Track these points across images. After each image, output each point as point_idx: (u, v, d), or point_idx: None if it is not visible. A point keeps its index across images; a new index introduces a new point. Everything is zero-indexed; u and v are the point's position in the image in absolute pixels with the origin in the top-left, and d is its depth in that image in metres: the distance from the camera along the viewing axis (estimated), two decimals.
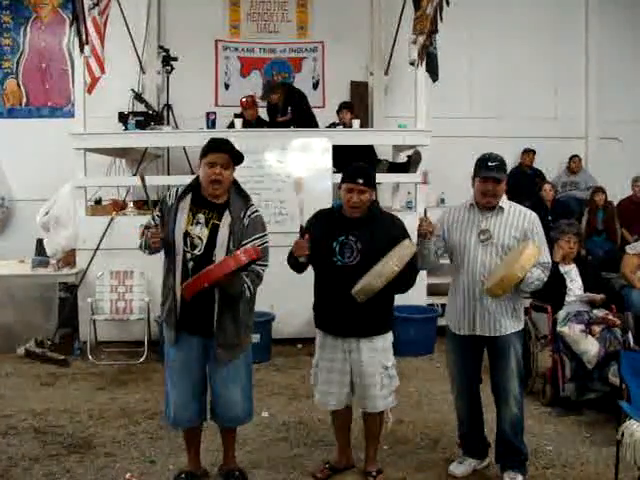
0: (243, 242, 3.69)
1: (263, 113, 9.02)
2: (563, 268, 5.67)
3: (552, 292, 5.37)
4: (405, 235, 3.89)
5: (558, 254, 5.70)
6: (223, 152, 3.73)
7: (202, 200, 3.79)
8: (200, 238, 3.72)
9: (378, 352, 3.95)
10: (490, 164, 3.93)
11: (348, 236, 3.87)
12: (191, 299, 3.66)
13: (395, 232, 3.88)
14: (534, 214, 4.05)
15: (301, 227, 3.88)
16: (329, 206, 7.12)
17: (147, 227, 3.88)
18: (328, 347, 4.01)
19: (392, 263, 3.64)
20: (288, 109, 8.47)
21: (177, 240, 3.72)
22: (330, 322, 3.97)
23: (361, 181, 3.84)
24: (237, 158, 3.80)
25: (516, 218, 3.98)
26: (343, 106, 8.80)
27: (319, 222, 4.02)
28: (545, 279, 3.96)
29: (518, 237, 3.94)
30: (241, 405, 3.90)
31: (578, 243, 5.76)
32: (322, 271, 3.95)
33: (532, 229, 3.96)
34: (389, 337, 4.04)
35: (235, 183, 3.86)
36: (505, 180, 4.01)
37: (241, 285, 3.67)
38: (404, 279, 3.78)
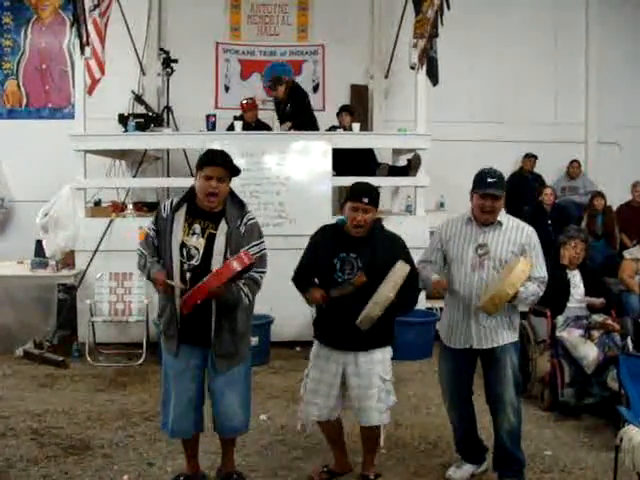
0: (240, 250, 3.68)
1: (263, 116, 9.02)
2: (567, 274, 5.67)
3: (555, 297, 5.37)
4: (405, 254, 3.90)
5: (565, 258, 5.69)
6: (219, 166, 3.71)
7: (197, 210, 3.77)
8: (197, 248, 3.71)
9: (376, 364, 3.94)
10: (489, 180, 3.92)
11: (349, 253, 3.88)
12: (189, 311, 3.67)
13: (396, 251, 3.89)
14: (531, 228, 4.04)
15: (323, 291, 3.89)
16: (328, 209, 7.23)
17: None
18: (322, 358, 4.01)
19: (386, 291, 3.67)
20: (288, 106, 8.48)
21: (174, 251, 3.71)
22: (330, 336, 3.97)
23: (366, 200, 3.84)
24: (233, 171, 3.78)
25: (514, 233, 3.98)
26: (343, 109, 8.80)
27: (322, 237, 4.03)
28: (541, 293, 3.96)
29: (516, 252, 3.93)
30: (239, 414, 3.89)
31: (584, 250, 5.75)
32: (323, 287, 3.93)
33: (529, 243, 3.96)
34: (388, 350, 4.03)
35: (230, 192, 3.84)
36: (504, 196, 4.01)
37: (238, 294, 3.67)
38: (404, 301, 3.81)
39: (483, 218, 3.97)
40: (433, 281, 4.00)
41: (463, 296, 3.99)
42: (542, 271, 3.98)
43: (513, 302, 3.86)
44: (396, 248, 3.92)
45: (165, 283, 3.66)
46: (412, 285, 3.86)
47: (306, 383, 4.07)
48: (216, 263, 3.65)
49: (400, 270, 3.73)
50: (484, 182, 3.92)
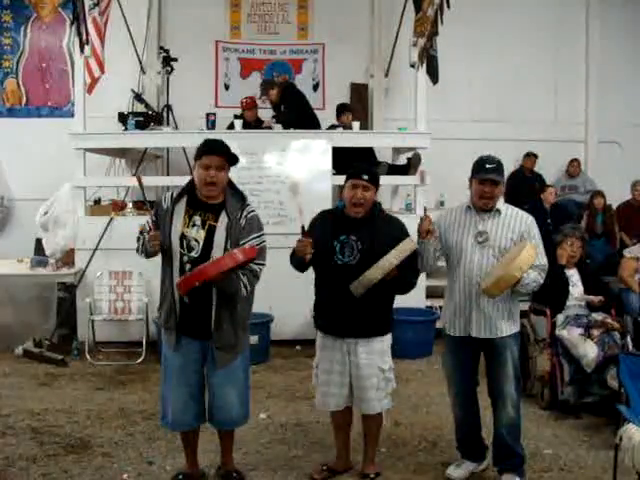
0: (240, 242, 3.69)
1: (263, 114, 9.01)
2: (565, 272, 5.66)
3: (555, 295, 5.37)
4: (406, 236, 3.89)
5: (563, 257, 5.69)
6: (217, 154, 3.71)
7: (198, 202, 3.78)
8: (197, 240, 3.71)
9: (375, 354, 3.96)
10: (488, 166, 3.94)
11: (349, 235, 3.88)
12: (190, 302, 3.67)
13: (396, 233, 3.89)
14: (531, 217, 4.05)
15: (302, 227, 3.87)
16: (329, 207, 7.21)
17: (142, 232, 3.87)
18: (327, 348, 4.02)
19: (391, 257, 3.66)
20: (281, 108, 8.47)
21: (174, 243, 3.72)
22: (329, 322, 3.98)
23: (366, 177, 3.85)
24: (232, 159, 3.78)
25: (513, 220, 3.99)
26: (341, 108, 8.78)
27: (321, 221, 4.04)
28: (541, 281, 3.96)
29: (515, 239, 3.94)
30: (237, 408, 3.89)
31: (581, 248, 5.74)
32: (323, 270, 3.96)
33: (529, 231, 3.97)
34: (387, 339, 4.04)
35: (230, 183, 3.85)
36: (502, 182, 4.02)
37: (237, 283, 3.67)
38: (404, 278, 3.81)
39: (482, 203, 3.98)
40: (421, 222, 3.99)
41: (463, 283, 4.00)
42: (542, 259, 3.98)
43: (516, 287, 3.85)
44: (396, 230, 3.93)
45: (157, 236, 3.67)
46: (412, 266, 3.86)
47: (317, 374, 4.09)
48: (216, 255, 3.65)
49: (407, 243, 3.73)
50: (483, 168, 3.94)
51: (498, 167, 3.97)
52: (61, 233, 7.49)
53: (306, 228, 3.97)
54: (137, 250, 3.90)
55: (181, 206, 3.77)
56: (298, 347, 7.21)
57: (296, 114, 8.23)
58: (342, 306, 3.83)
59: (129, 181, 8.43)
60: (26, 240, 8.33)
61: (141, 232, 3.89)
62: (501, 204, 4.03)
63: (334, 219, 4.00)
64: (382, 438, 4.35)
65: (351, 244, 3.87)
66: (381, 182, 4.05)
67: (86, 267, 7.29)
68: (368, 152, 8.32)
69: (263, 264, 3.80)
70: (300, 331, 7.14)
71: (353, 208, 3.89)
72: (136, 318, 7.01)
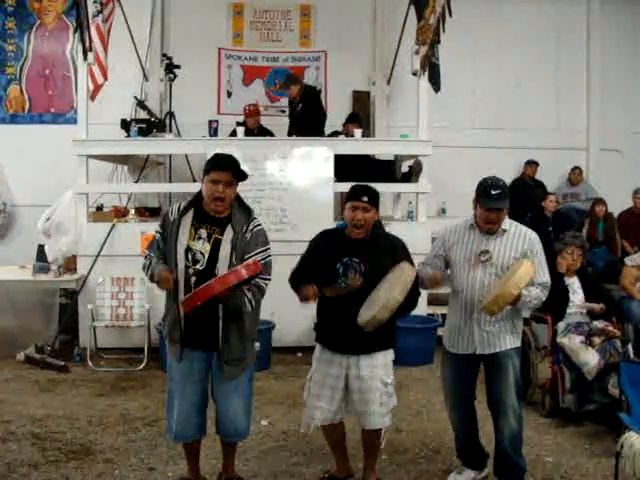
0: (245, 256, 3.66)
1: (265, 121, 9.04)
2: (566, 280, 5.67)
3: (554, 303, 5.37)
4: (407, 257, 3.89)
5: (562, 266, 5.69)
6: (227, 170, 3.70)
7: (204, 215, 3.77)
8: (202, 253, 3.70)
9: (378, 367, 3.92)
10: (493, 192, 3.90)
11: (352, 258, 3.86)
12: (194, 313, 3.66)
13: (399, 254, 3.88)
14: (535, 235, 4.05)
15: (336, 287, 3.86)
16: (330, 215, 7.25)
17: (150, 247, 3.85)
18: (324, 361, 3.98)
19: (396, 293, 3.61)
20: (300, 106, 8.51)
21: (179, 255, 3.70)
22: (331, 339, 3.95)
23: (365, 199, 3.83)
24: (241, 175, 3.78)
25: (516, 239, 3.99)
26: (350, 119, 8.76)
27: (323, 243, 4.01)
28: (544, 298, 3.97)
29: (518, 258, 3.94)
30: (242, 420, 3.89)
31: (582, 256, 5.74)
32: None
33: (531, 249, 3.97)
34: (390, 354, 4.01)
35: (237, 197, 3.84)
36: (507, 206, 3.99)
37: (240, 299, 3.65)
38: (408, 304, 3.79)
39: (487, 228, 3.98)
40: (427, 277, 4.00)
41: (465, 302, 4.00)
42: (545, 276, 3.99)
43: (516, 304, 3.86)
44: (398, 251, 3.92)
45: (170, 280, 3.63)
46: (414, 290, 3.84)
47: (309, 387, 4.05)
48: (221, 268, 3.64)
49: (409, 275, 3.70)
50: (488, 194, 3.90)
51: (503, 192, 3.92)
52: (63, 239, 7.51)
53: (307, 247, 3.98)
54: (143, 267, 3.86)
55: (187, 218, 3.76)
56: (300, 354, 7.21)
57: (314, 117, 8.34)
58: (346, 328, 3.78)
59: (131, 188, 8.47)
60: (28, 246, 8.35)
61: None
62: (506, 222, 4.01)
63: (336, 240, 3.97)
64: (383, 445, 4.34)
65: (354, 266, 3.85)
66: (382, 190, 4.03)
67: (88, 273, 7.30)
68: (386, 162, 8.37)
69: (269, 279, 3.78)
70: (301, 338, 7.14)
71: (354, 230, 3.88)
72: (138, 324, 7.02)
